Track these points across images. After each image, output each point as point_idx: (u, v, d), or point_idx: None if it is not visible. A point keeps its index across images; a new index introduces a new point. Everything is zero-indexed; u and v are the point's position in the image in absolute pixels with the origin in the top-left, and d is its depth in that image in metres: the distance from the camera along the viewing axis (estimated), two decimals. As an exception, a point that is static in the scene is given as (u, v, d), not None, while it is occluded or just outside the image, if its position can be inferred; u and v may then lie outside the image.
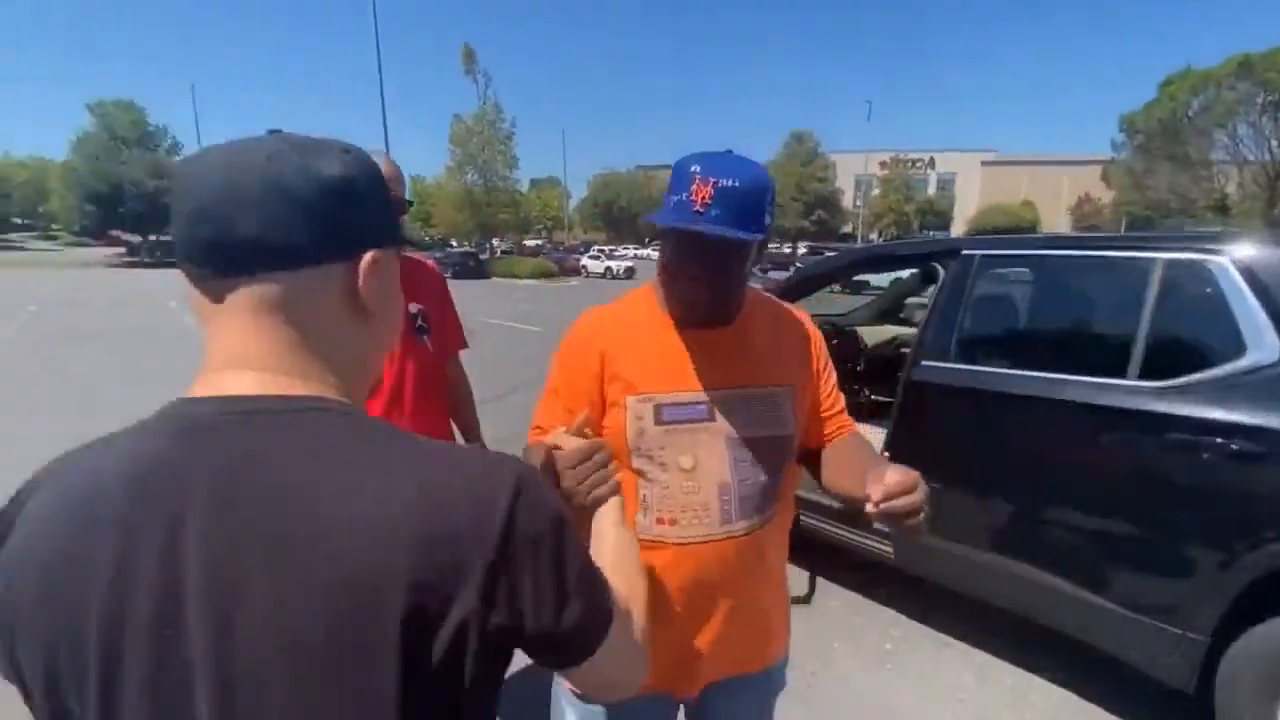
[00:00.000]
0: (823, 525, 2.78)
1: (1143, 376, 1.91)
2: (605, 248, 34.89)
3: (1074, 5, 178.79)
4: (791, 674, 1.25)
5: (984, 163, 60.24)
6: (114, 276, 25.26)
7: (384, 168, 1.60)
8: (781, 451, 1.08)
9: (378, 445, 0.49)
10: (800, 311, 1.18)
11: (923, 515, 0.86)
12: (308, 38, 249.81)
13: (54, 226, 54.20)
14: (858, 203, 50.18)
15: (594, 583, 0.55)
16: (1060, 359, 2.14)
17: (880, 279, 8.81)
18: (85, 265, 28.38)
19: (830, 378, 1.17)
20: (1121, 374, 1.95)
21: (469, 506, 0.46)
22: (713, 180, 0.92)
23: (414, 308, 1.68)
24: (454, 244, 43.64)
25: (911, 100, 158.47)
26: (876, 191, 49.69)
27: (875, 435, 2.53)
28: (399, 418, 1.57)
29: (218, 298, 0.49)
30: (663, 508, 1.04)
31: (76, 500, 0.46)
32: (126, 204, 37.15)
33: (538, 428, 1.10)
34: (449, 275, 1.83)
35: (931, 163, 59.67)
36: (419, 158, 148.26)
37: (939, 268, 2.54)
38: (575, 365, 1.09)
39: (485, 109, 32.49)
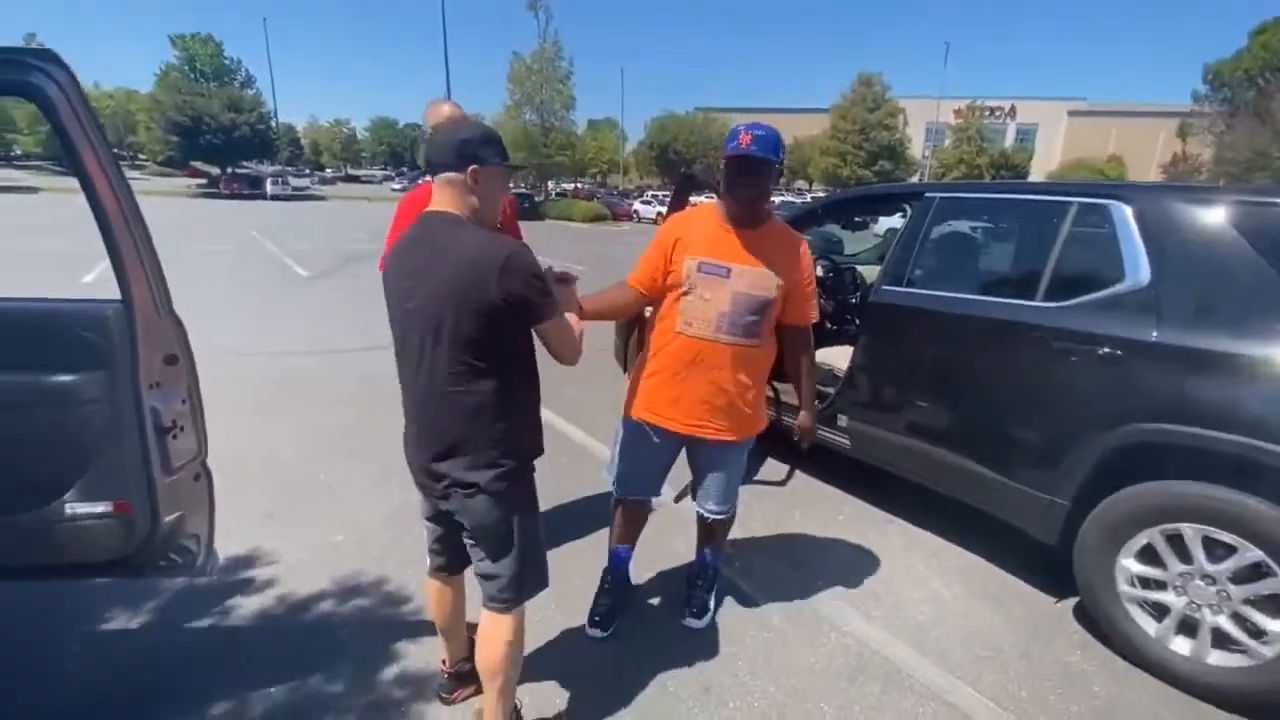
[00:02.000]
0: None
1: (1046, 298, 2.36)
2: (658, 193, 34.75)
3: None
4: (762, 531, 1.98)
5: (1070, 113, 56.11)
6: (192, 206, 26.98)
7: (447, 109, 2.17)
8: (762, 307, 1.91)
9: (469, 231, 1.41)
10: (802, 239, 2.01)
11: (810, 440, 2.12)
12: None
13: (140, 157, 57.10)
14: (925, 153, 47.93)
15: (544, 291, 1.43)
16: (989, 284, 2.59)
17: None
18: (166, 195, 30.39)
19: (809, 280, 1.99)
20: (1032, 296, 2.40)
21: (493, 254, 1.35)
22: (750, 133, 1.82)
23: None
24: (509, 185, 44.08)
25: (994, 45, 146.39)
26: (948, 141, 47.21)
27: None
28: None
29: (436, 181, 1.46)
30: (687, 316, 1.94)
31: (398, 244, 1.50)
32: (205, 136, 39.03)
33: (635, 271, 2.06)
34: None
35: (1012, 111, 55.98)
36: (478, 96, 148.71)
37: (908, 208, 2.97)
38: (662, 238, 2.00)
39: (545, 47, 32.35)
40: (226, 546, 2.44)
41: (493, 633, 1.58)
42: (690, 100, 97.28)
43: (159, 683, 1.92)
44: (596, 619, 2.21)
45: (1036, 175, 48.03)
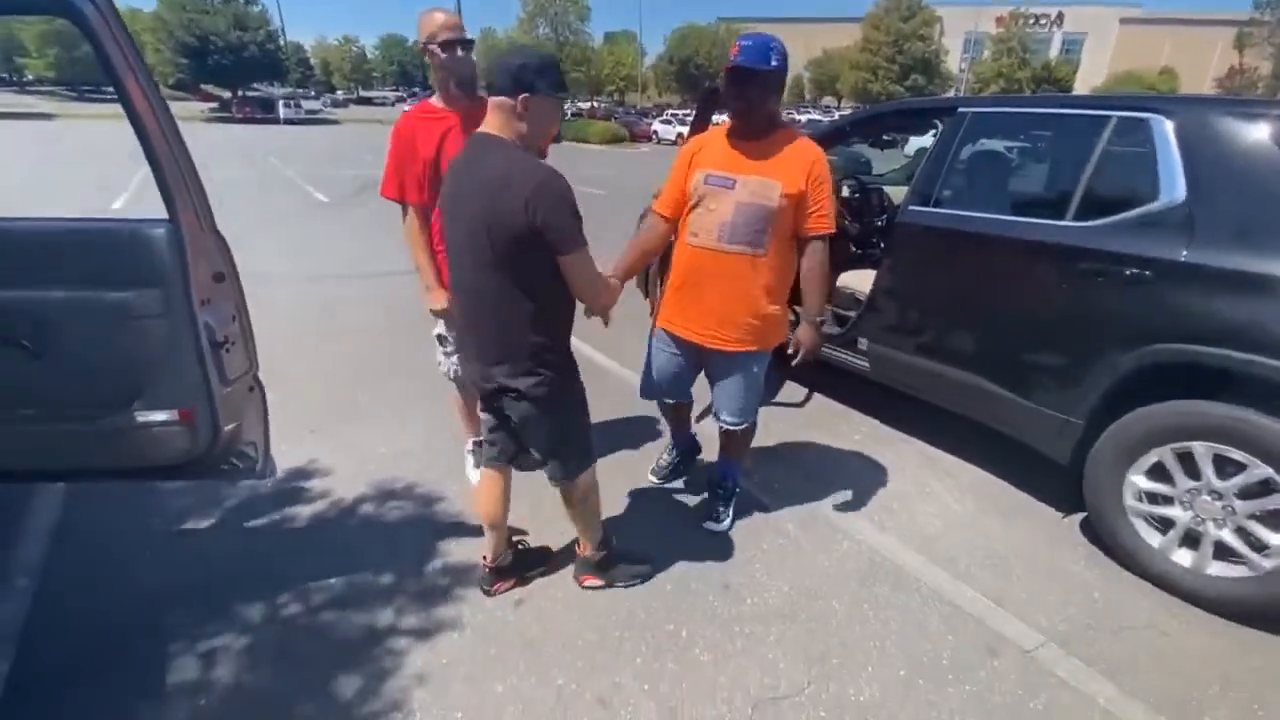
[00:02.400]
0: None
1: (1076, 218, 2.32)
2: (678, 112, 33.42)
3: None
4: (780, 449, 2.07)
5: (1123, 20, 52.13)
6: (207, 131, 26.66)
7: (440, 18, 2.15)
8: (766, 215, 1.94)
9: (509, 153, 1.52)
10: (816, 149, 2.00)
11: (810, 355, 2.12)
12: None
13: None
14: (963, 66, 45.14)
15: (570, 224, 1.51)
16: (1019, 204, 2.54)
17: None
18: (182, 120, 29.71)
19: (820, 189, 1.97)
20: (1062, 216, 2.36)
21: (525, 178, 1.46)
22: (739, 44, 1.86)
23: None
24: (525, 105, 42.50)
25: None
26: (987, 54, 44.32)
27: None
28: None
29: (490, 102, 1.55)
30: (694, 227, 2.04)
31: (453, 163, 1.64)
32: (213, 57, 38.01)
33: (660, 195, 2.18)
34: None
35: (1059, 19, 52.23)
36: (489, 7, 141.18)
37: (939, 124, 2.88)
38: (681, 158, 2.12)
39: (559, -48, 30.48)
40: (277, 458, 2.62)
41: (564, 503, 1.93)
42: (714, 10, 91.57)
43: (227, 577, 2.11)
44: (655, 468, 2.71)
45: (1081, 90, 45.17)
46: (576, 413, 1.82)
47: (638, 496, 2.63)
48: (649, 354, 2.32)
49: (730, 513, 2.47)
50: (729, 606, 2.06)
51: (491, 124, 1.55)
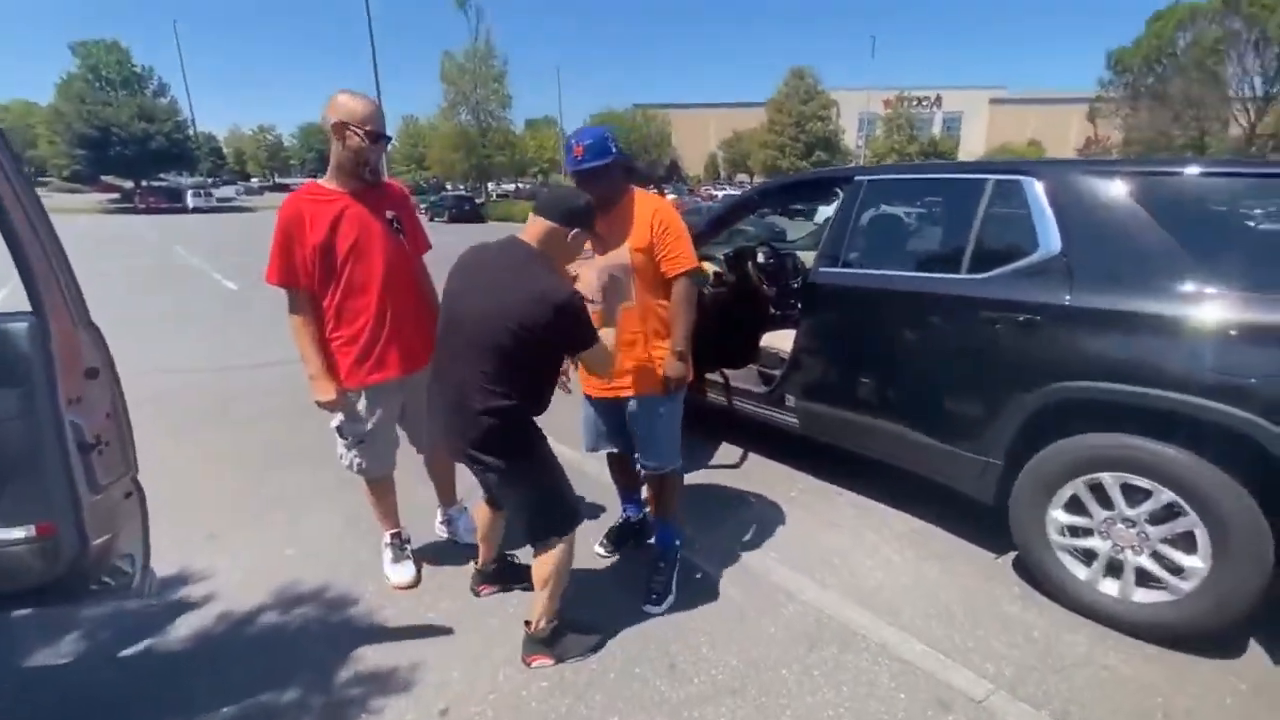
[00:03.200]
0: (748, 406, 3.40)
1: (970, 271, 2.48)
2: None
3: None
4: (719, 512, 2.00)
5: (992, 100, 58.91)
6: (105, 221, 25.39)
7: (361, 106, 2.08)
8: (622, 272, 2.13)
9: (542, 267, 1.76)
10: (659, 200, 2.12)
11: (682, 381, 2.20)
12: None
13: (43, 175, 53.13)
14: (859, 143, 49.42)
15: (589, 332, 1.79)
16: (918, 260, 2.71)
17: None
18: (75, 211, 28.30)
19: (664, 236, 2.10)
20: (957, 270, 2.52)
21: (555, 297, 1.69)
22: (580, 144, 2.03)
23: (389, 214, 2.20)
24: (449, 187, 43.18)
25: (918, 36, 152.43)
26: (880, 131, 48.85)
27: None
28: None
29: (536, 218, 1.83)
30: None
31: (477, 249, 1.87)
32: (115, 148, 36.73)
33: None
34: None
35: (938, 101, 58.35)
36: (413, 97, 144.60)
37: (839, 191, 3.07)
38: None
39: (477, 46, 31.85)
40: (167, 569, 2.34)
41: (533, 562, 1.98)
42: (629, 97, 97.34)
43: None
44: (604, 540, 2.67)
45: (964, 160, 50.18)
46: (542, 482, 1.92)
47: (584, 570, 2.49)
48: (583, 413, 2.45)
49: (672, 588, 2.37)
50: (676, 689, 1.93)
51: (533, 236, 1.81)
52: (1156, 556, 2.11)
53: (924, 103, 55.90)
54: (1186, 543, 2.04)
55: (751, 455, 3.63)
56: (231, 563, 2.53)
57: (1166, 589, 2.10)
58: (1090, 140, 41.49)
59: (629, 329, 2.18)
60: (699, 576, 2.49)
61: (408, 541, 2.55)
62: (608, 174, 2.06)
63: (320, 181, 2.18)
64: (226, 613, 2.25)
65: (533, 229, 1.81)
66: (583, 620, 2.11)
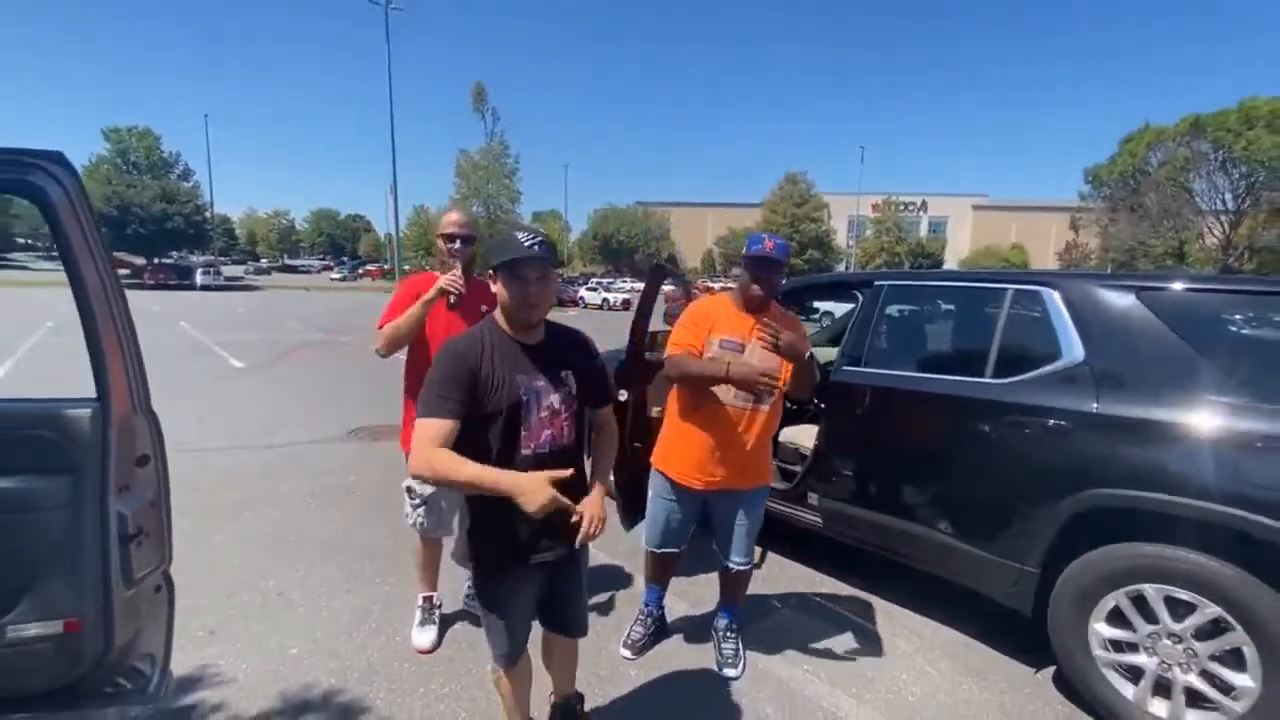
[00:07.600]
0: (772, 505, 3.35)
1: (993, 375, 2.54)
2: (602, 280, 35.70)
3: (1060, 58, 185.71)
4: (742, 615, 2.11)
5: (975, 207, 61.93)
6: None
7: (457, 216, 2.43)
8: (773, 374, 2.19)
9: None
10: (799, 320, 2.38)
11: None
12: (321, 75, 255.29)
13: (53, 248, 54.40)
14: (850, 243, 51.55)
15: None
16: (941, 363, 2.77)
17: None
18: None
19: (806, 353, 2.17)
20: (981, 374, 2.58)
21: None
22: (770, 240, 2.22)
23: (484, 308, 2.36)
24: (454, 273, 44.01)
25: (905, 146, 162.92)
26: (869, 232, 51.13)
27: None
28: None
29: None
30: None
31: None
32: (132, 226, 37.84)
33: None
34: (452, 305, 2.43)
35: (924, 206, 61.36)
36: (424, 189, 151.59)
37: (859, 294, 3.18)
38: (698, 320, 2.33)
39: (492, 145, 33.72)
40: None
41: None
42: (632, 194, 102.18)
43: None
44: (629, 641, 2.57)
45: (950, 262, 52.28)
46: (491, 608, 1.70)
47: (611, 675, 2.36)
48: (652, 504, 2.48)
49: (742, 653, 2.51)
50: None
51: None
52: (1206, 675, 2.03)
53: (910, 207, 58.72)
54: (1236, 660, 1.97)
55: (771, 555, 3.54)
56: (234, 663, 2.39)
57: (1220, 710, 2.00)
58: (1070, 245, 43.47)
59: (760, 427, 2.30)
60: (730, 688, 2.36)
61: (438, 607, 2.68)
62: (778, 269, 2.25)
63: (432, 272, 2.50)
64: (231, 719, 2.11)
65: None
66: None
